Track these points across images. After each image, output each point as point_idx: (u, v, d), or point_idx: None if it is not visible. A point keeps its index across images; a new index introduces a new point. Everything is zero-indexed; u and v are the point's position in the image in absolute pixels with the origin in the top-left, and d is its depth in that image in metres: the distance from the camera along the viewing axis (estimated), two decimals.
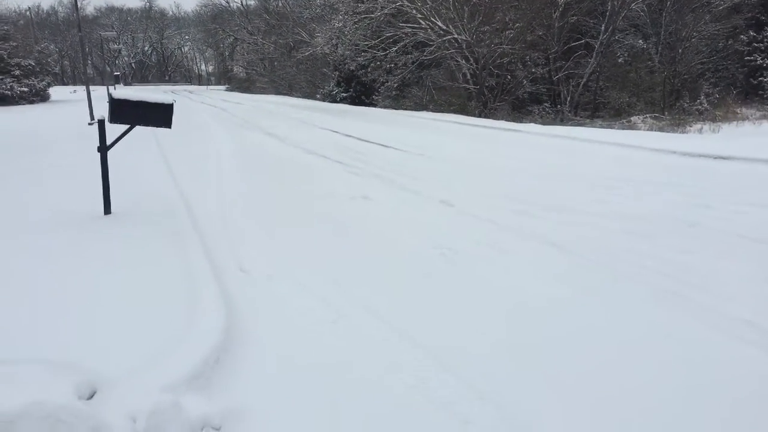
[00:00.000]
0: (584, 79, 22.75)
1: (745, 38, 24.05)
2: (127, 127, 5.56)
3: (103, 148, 5.54)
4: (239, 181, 8.35)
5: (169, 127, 5.57)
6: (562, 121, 20.14)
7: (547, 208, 6.43)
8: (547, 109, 22.58)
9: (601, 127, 17.48)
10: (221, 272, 4.41)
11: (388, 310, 3.78)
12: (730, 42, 24.08)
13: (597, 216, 6.04)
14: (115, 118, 5.34)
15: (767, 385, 2.85)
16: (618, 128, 17.15)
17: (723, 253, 4.72)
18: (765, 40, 23.73)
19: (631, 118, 19.92)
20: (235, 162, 10.23)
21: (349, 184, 8.18)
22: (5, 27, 36.99)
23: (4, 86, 32.22)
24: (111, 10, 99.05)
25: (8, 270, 4.26)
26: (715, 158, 9.33)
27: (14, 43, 35.44)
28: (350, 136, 14.65)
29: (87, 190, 6.72)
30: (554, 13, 22.47)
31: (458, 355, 3.17)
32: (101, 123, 5.43)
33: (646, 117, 20.01)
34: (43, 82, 36.43)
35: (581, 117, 21.70)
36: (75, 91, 51.40)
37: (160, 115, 5.46)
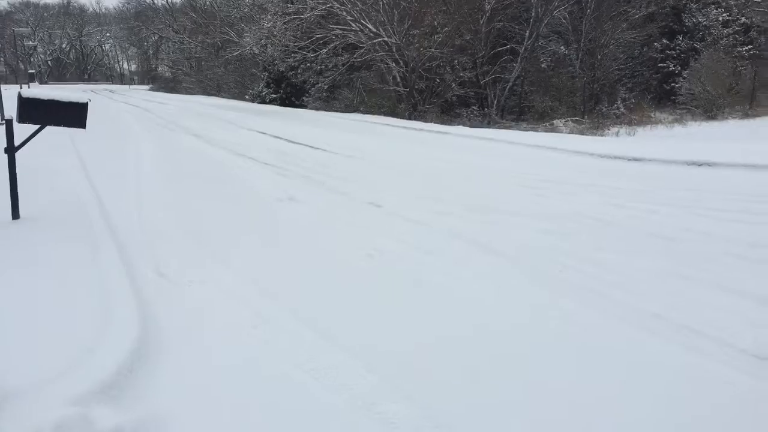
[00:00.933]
0: (510, 83, 23.42)
1: (658, 46, 25.40)
2: (37, 127, 5.27)
3: (11, 149, 5.22)
4: (160, 184, 8.09)
5: (84, 128, 5.32)
6: (489, 124, 20.64)
7: (472, 209, 6.55)
8: (475, 112, 23.07)
9: (526, 130, 18.02)
10: (137, 278, 4.24)
11: (312, 312, 3.74)
12: (645, 49, 25.39)
13: (520, 216, 6.20)
14: (24, 117, 5.05)
15: (670, 373, 3.00)
16: (542, 131, 17.75)
17: (634, 250, 4.94)
18: (677, 47, 25.16)
19: (554, 122, 20.64)
20: (157, 164, 9.91)
21: (276, 185, 8.07)
22: None
23: None
24: (26, 5, 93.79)
25: None
26: (630, 160, 9.78)
27: None
28: (279, 137, 14.48)
29: None
30: (481, 18, 23.00)
31: (383, 355, 3.17)
32: (9, 123, 5.12)
33: (568, 120, 20.79)
34: None
35: (507, 120, 22.32)
36: None
37: (73, 115, 5.20)
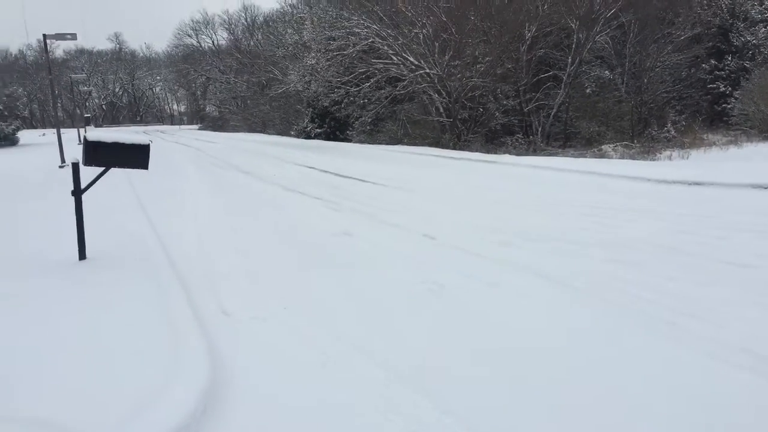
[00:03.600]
0: (554, 110, 23.21)
1: (707, 67, 24.86)
2: (102, 169, 5.43)
3: (78, 192, 5.39)
4: (217, 222, 8.21)
5: (146, 168, 5.45)
6: (535, 152, 20.42)
7: (530, 239, 6.41)
8: (519, 140, 22.91)
9: (574, 156, 17.75)
10: (203, 317, 4.26)
11: (379, 349, 3.68)
12: (692, 70, 24.86)
13: (580, 245, 6.03)
14: (89, 160, 5.21)
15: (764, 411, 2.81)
16: (590, 157, 17.44)
17: (709, 279, 4.72)
18: (726, 68, 24.57)
19: (602, 147, 20.29)
20: (213, 202, 10.09)
21: (329, 220, 8.10)
22: None
23: None
24: (81, 52, 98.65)
25: None
26: (690, 184, 9.47)
27: None
28: (327, 171, 14.62)
29: (59, 235, 6.51)
30: (522, 46, 22.99)
31: (456, 396, 3.07)
32: (75, 166, 5.29)
33: (617, 145, 20.40)
34: (12, 126, 35.93)
35: (553, 147, 22.05)
36: (44, 135, 50.84)
37: (136, 157, 5.34)
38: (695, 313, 4.01)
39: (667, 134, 21.49)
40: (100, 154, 5.21)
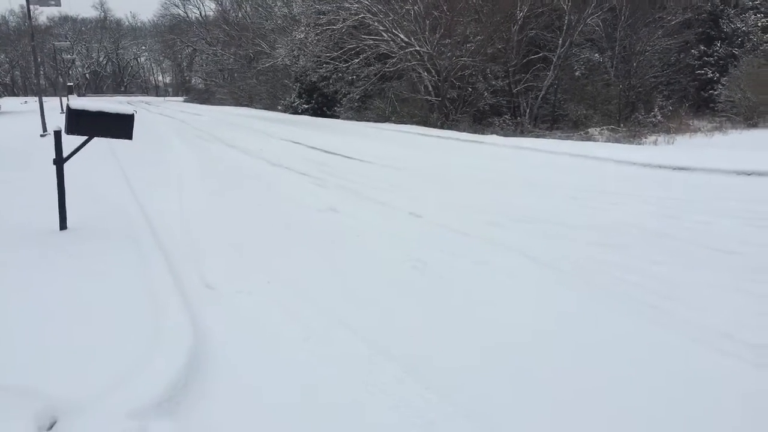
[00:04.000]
0: (543, 92, 23.17)
1: (695, 52, 24.92)
2: (84, 138, 5.32)
3: (59, 161, 5.28)
4: (201, 195, 8.12)
5: (130, 139, 5.35)
6: (522, 133, 20.42)
7: (517, 220, 6.42)
8: (507, 121, 22.88)
9: (560, 138, 17.77)
10: (186, 288, 4.22)
11: (364, 325, 3.67)
12: (682, 56, 24.90)
13: (567, 227, 6.05)
14: (72, 129, 5.10)
15: (748, 397, 2.84)
16: (576, 139, 17.48)
17: (693, 264, 4.76)
18: (714, 54, 24.65)
19: (589, 130, 20.32)
20: (197, 175, 9.97)
21: (315, 196, 8.05)
22: None
23: None
24: (65, 19, 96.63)
25: None
26: (674, 169, 9.53)
27: None
28: (314, 147, 14.51)
29: (40, 204, 6.40)
30: (513, 26, 22.85)
31: (440, 372, 3.07)
32: (57, 134, 5.17)
33: (603, 129, 20.45)
34: None
35: (541, 129, 22.05)
36: (26, 102, 49.91)
37: (120, 126, 5.24)
38: (679, 297, 4.04)
39: (654, 119, 21.57)
40: (84, 123, 5.11)
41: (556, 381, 2.99)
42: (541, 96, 23.23)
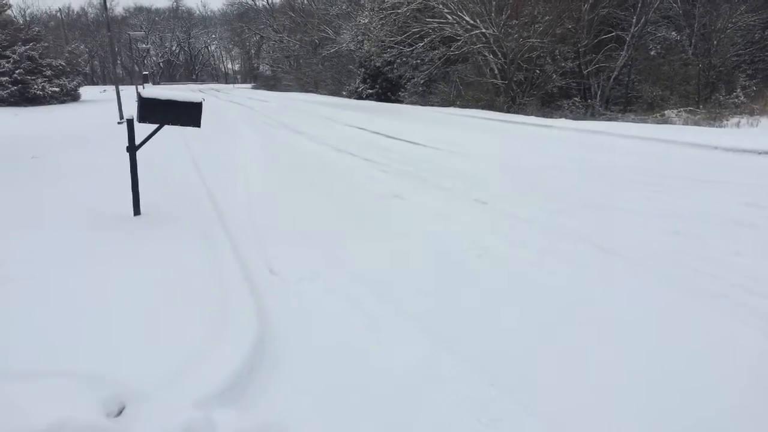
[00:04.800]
0: (615, 73, 22.25)
1: None
2: (156, 126, 5.48)
3: (132, 148, 5.46)
4: (268, 181, 8.25)
5: (198, 126, 5.46)
6: (593, 116, 19.72)
7: (586, 207, 6.19)
8: (577, 104, 22.13)
9: (634, 121, 17.05)
10: (251, 275, 4.28)
11: (425, 314, 3.61)
12: (767, 32, 23.31)
13: (640, 215, 5.78)
14: (144, 117, 5.26)
15: None
16: (652, 123, 16.73)
17: None
18: None
19: (665, 112, 19.39)
20: (264, 161, 10.14)
21: (379, 182, 8.02)
22: (36, 28, 37.62)
23: (36, 86, 32.69)
24: (139, 10, 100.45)
25: (26, 275, 4.18)
26: (760, 153, 8.95)
27: (45, 44, 35.98)
28: (377, 133, 14.49)
29: (116, 190, 6.67)
30: (584, 5, 22.00)
31: (503, 366, 2.99)
32: (130, 123, 5.35)
33: (681, 111, 19.45)
34: (74, 82, 36.92)
35: (613, 111, 21.23)
36: (104, 91, 52.16)
37: (189, 114, 5.36)
38: (764, 292, 3.78)
39: (736, 100, 20.35)
40: (154, 111, 5.25)
41: (623, 362, 2.85)
42: (613, 77, 22.32)
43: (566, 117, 18.72)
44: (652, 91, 21.80)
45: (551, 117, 18.76)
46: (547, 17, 21.99)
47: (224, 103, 33.31)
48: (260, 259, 4.75)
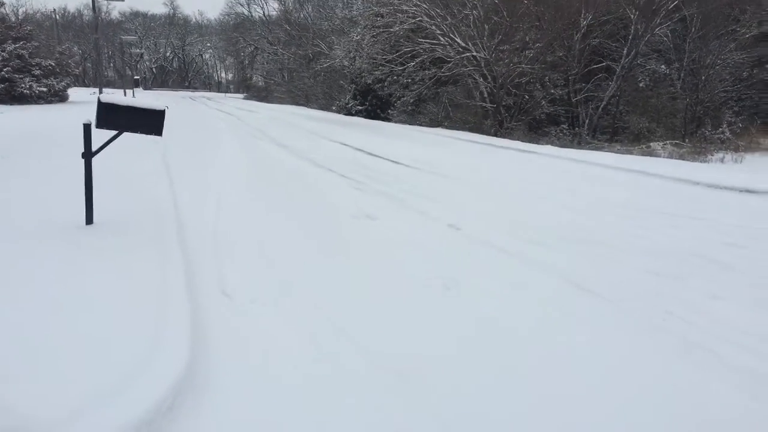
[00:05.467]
0: (604, 102, 22.28)
1: None
2: (114, 133, 5.19)
3: (88, 155, 5.16)
4: (239, 194, 7.96)
5: (160, 135, 5.19)
6: (580, 144, 19.66)
7: (564, 239, 5.96)
8: (564, 131, 22.10)
9: (620, 152, 17.00)
10: (199, 297, 3.99)
11: (378, 349, 3.34)
12: (755, 71, 23.52)
13: (619, 251, 5.56)
14: (101, 123, 4.98)
15: None
16: (637, 154, 16.67)
17: (761, 302, 4.22)
18: None
19: (651, 144, 19.39)
20: (242, 174, 9.85)
21: (353, 201, 7.77)
22: (28, 27, 37.22)
23: (23, 85, 32.27)
24: (135, 15, 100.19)
25: None
26: (742, 191, 8.81)
27: (36, 44, 35.58)
28: (361, 150, 14.27)
29: (77, 195, 6.32)
30: (576, 34, 22.08)
31: (463, 418, 2.72)
32: (87, 127, 5.05)
33: (666, 143, 19.46)
34: (62, 83, 36.50)
35: (599, 140, 21.21)
36: (95, 93, 51.61)
37: (150, 122, 5.08)
38: (740, 341, 3.54)
39: (722, 135, 20.41)
40: (113, 117, 4.98)
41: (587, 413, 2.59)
42: (602, 106, 22.35)
43: (552, 144, 18.65)
44: (639, 123, 21.83)
45: (537, 143, 18.66)
46: (539, 44, 22.03)
47: (213, 111, 33.03)
48: (214, 276, 4.47)
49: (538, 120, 23.28)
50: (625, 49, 21.70)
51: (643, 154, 16.60)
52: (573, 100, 22.76)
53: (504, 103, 22.83)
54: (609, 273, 4.86)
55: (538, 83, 22.88)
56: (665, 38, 23.24)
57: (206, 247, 5.23)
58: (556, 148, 16.47)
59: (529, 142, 18.79)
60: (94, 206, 5.41)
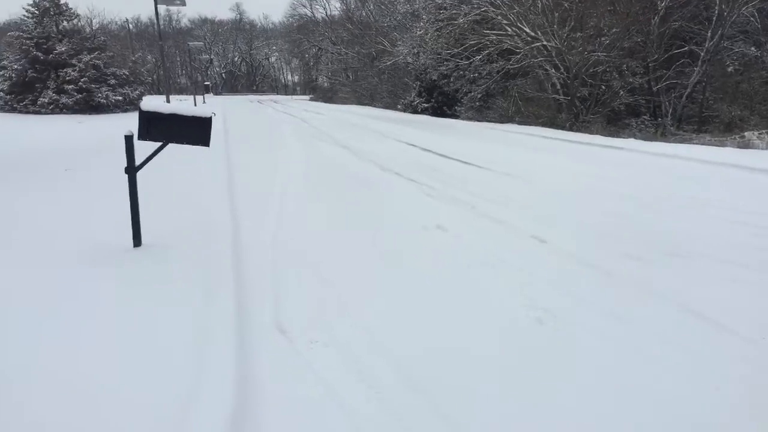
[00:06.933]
0: (688, 90, 20.67)
1: None
2: (159, 144, 4.75)
3: (131, 169, 4.74)
4: (300, 204, 7.45)
5: (207, 146, 4.71)
6: (664, 136, 18.24)
7: (668, 252, 5.11)
8: (646, 122, 20.65)
9: (711, 143, 15.58)
10: (251, 333, 3.45)
11: (458, 409, 2.69)
12: None
13: (738, 265, 4.67)
14: (144, 134, 4.54)
15: None
16: (731, 145, 15.20)
17: None
18: None
19: (745, 134, 17.74)
20: (302, 181, 9.37)
21: (422, 208, 7.12)
22: (102, 37, 38.50)
23: (100, 95, 33.32)
24: (204, 21, 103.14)
25: None
26: None
27: (110, 53, 36.73)
28: (428, 150, 13.58)
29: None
30: (654, 18, 20.58)
31: None
32: (129, 139, 4.62)
33: (763, 133, 17.76)
34: (137, 92, 37.56)
35: (686, 131, 19.66)
36: (180, 101, 53.19)
37: (195, 131, 4.61)
38: None
39: None
40: (155, 128, 4.53)
41: None
42: (686, 95, 20.74)
43: (635, 137, 17.34)
44: (730, 111, 20.11)
45: (618, 136, 17.42)
46: (614, 30, 20.65)
47: (280, 114, 33.11)
48: (269, 306, 3.93)
49: (617, 111, 21.85)
50: (709, 31, 20.05)
51: (738, 146, 15.11)
52: (654, 88, 21.25)
53: (579, 95, 21.57)
54: (732, 295, 4.01)
55: (615, 72, 21.47)
56: (752, 18, 21.32)
57: (263, 269, 4.72)
58: (641, 141, 15.23)
59: (609, 135, 17.60)
60: (147, 222, 5.01)
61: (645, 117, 21.15)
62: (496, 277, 4.59)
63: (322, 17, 71.13)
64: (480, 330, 3.61)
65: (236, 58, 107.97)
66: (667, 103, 21.13)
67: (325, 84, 72.23)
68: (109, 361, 3.00)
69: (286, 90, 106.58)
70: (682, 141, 16.33)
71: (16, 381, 2.77)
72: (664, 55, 21.23)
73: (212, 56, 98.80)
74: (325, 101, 58.65)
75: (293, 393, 2.85)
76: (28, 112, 30.24)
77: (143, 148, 4.78)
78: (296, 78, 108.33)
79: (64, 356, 3.03)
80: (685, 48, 21.39)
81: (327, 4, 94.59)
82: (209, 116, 4.58)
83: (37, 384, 2.74)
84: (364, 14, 55.74)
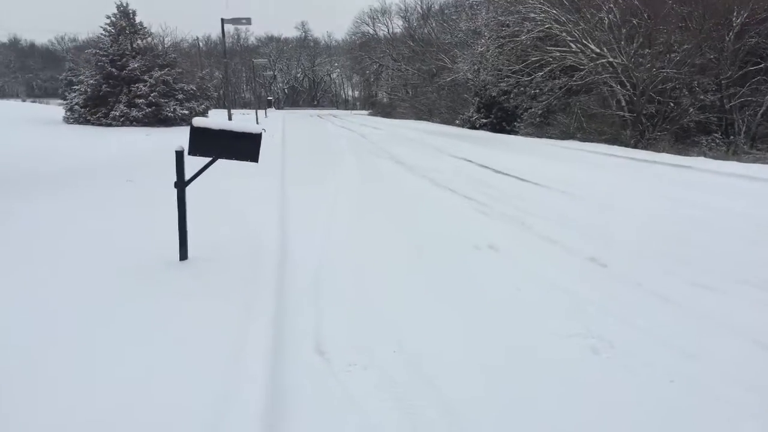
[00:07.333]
0: (764, 108, 19.59)
1: None
2: (208, 160, 4.74)
3: (181, 184, 4.74)
4: (350, 222, 7.35)
5: (256, 161, 4.67)
6: (736, 154, 17.30)
7: (743, 281, 4.71)
8: (717, 140, 19.67)
9: None
10: (288, 354, 3.33)
11: None
12: None
13: None
14: (194, 149, 4.53)
15: None
16: None
17: None
18: None
19: None
20: (354, 196, 9.28)
21: (475, 227, 6.89)
22: (173, 55, 40.01)
23: (168, 109, 34.54)
24: (270, 39, 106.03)
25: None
26: None
27: (179, 70, 38.10)
28: (485, 166, 13.31)
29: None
30: (728, 35, 19.66)
31: None
32: (179, 155, 4.63)
33: None
34: (202, 106, 38.75)
35: (760, 150, 18.60)
36: (243, 114, 54.79)
37: (245, 147, 4.57)
38: None
39: None
40: (205, 143, 4.51)
41: None
42: (761, 112, 19.66)
43: (704, 155, 16.52)
44: None
45: (687, 154, 16.64)
46: (685, 46, 19.86)
47: (338, 129, 33.43)
48: (310, 329, 3.80)
49: (686, 129, 20.92)
50: None
51: None
52: (726, 106, 20.25)
53: (645, 112, 20.80)
54: None
55: (685, 89, 20.59)
56: None
57: (306, 288, 4.61)
58: (712, 160, 14.46)
59: (677, 153, 16.82)
60: (195, 235, 5.00)
61: (716, 135, 20.17)
62: (548, 301, 4.32)
63: (384, 35, 71.96)
64: (529, 358, 3.37)
65: (299, 74, 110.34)
66: (740, 121, 20.09)
67: (385, 99, 72.76)
68: (148, 374, 2.93)
69: (346, 105, 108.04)
70: (756, 160, 15.42)
71: (77, 379, 2.74)
72: (738, 72, 20.26)
73: (276, 72, 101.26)
74: (384, 116, 58.95)
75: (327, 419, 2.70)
76: (100, 125, 31.62)
77: (195, 163, 4.78)
78: (356, 93, 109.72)
79: (93, 379, 2.98)
80: (761, 65, 20.33)
81: (389, 22, 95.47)
82: (259, 132, 4.54)
83: (93, 383, 2.70)
84: (425, 32, 56.01)
